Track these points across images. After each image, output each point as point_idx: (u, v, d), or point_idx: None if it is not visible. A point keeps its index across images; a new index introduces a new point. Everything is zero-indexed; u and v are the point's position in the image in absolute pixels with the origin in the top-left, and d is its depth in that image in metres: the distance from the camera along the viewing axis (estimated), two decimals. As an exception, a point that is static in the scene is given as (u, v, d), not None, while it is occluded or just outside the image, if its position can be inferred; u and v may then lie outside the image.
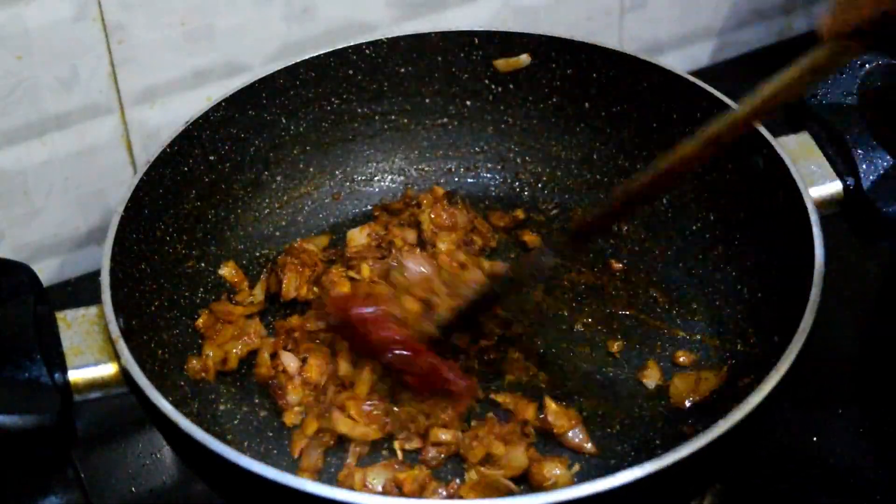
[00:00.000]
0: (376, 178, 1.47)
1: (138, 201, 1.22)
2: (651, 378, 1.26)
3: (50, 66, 1.35)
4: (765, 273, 1.26)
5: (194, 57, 1.44)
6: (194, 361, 1.25)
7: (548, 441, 1.20)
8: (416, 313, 1.24)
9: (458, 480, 1.17)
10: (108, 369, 1.08)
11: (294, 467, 1.19)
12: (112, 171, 1.47)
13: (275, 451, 1.21)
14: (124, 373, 1.07)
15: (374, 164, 1.47)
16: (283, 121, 1.40)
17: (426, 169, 1.48)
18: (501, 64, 1.43)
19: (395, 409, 1.21)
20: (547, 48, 1.41)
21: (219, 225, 1.36)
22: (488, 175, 1.48)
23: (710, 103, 1.32)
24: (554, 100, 1.44)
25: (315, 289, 1.32)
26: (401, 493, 1.14)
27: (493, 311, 1.28)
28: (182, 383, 1.23)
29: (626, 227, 1.41)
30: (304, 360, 1.25)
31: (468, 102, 1.46)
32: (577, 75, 1.42)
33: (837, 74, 1.30)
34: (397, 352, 1.18)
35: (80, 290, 1.47)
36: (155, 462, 1.28)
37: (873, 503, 1.22)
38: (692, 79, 1.34)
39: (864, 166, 1.24)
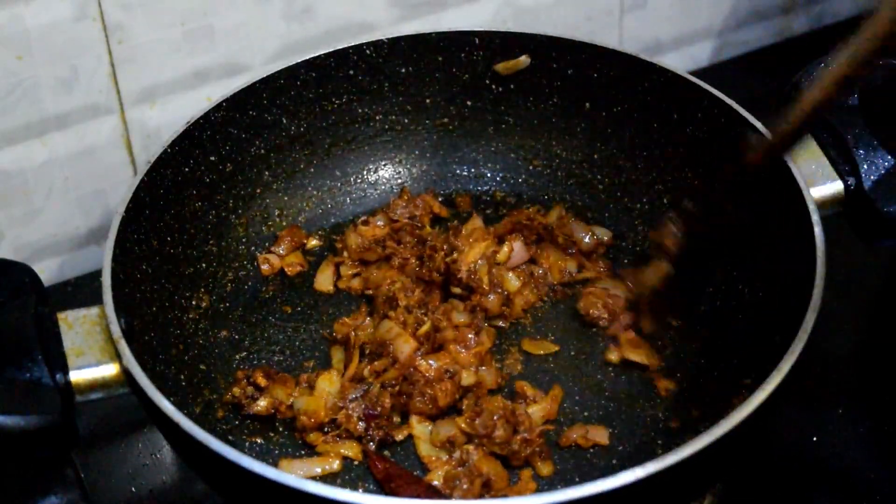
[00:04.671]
0: (377, 179, 1.47)
1: (139, 202, 1.22)
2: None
3: (50, 66, 1.35)
4: (765, 273, 1.26)
5: (194, 57, 1.44)
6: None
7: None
8: None
9: None
10: (110, 370, 1.08)
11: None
12: (112, 171, 1.47)
13: (276, 451, 1.21)
14: (126, 373, 1.07)
15: (375, 165, 1.47)
16: (284, 121, 1.40)
17: (426, 169, 1.48)
18: (501, 68, 1.43)
19: None
20: (547, 48, 1.41)
21: (220, 225, 1.36)
22: (488, 175, 1.48)
23: (710, 103, 1.32)
24: (554, 100, 1.44)
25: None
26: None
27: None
28: (183, 384, 1.23)
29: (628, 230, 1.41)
30: None
31: (468, 102, 1.46)
32: (577, 75, 1.42)
33: (837, 74, 1.30)
34: None
35: (80, 291, 1.47)
36: (155, 462, 1.28)
37: (873, 503, 1.22)
38: (692, 79, 1.34)
39: (864, 166, 1.24)
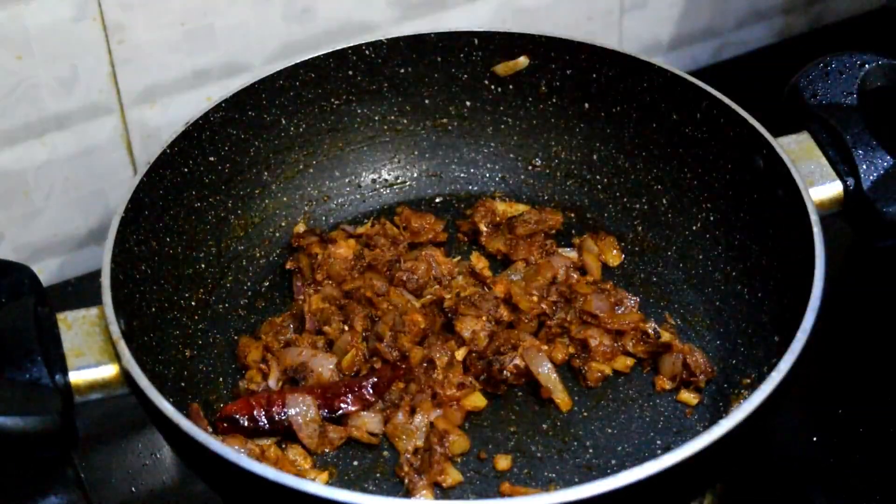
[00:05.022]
0: (376, 179, 1.47)
1: (139, 202, 1.22)
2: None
3: (50, 66, 1.35)
4: (765, 273, 1.27)
5: (194, 57, 1.44)
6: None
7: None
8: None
9: None
10: (109, 370, 1.08)
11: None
12: (112, 171, 1.47)
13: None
14: (125, 374, 1.07)
15: (374, 165, 1.47)
16: (283, 122, 1.40)
17: (425, 169, 1.48)
18: (500, 69, 1.43)
19: None
20: (547, 48, 1.41)
21: (219, 226, 1.36)
22: (487, 175, 1.48)
23: (710, 103, 1.32)
24: (554, 100, 1.44)
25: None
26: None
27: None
28: (183, 384, 1.23)
29: (628, 232, 1.41)
30: None
31: (468, 103, 1.46)
32: (577, 75, 1.42)
33: (837, 74, 1.30)
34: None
35: (80, 291, 1.47)
36: (155, 462, 1.28)
37: (873, 503, 1.22)
38: (692, 79, 1.34)
39: (864, 166, 1.24)
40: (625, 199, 1.43)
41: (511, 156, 1.48)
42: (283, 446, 1.20)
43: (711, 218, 1.35)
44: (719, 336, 1.29)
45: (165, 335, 1.24)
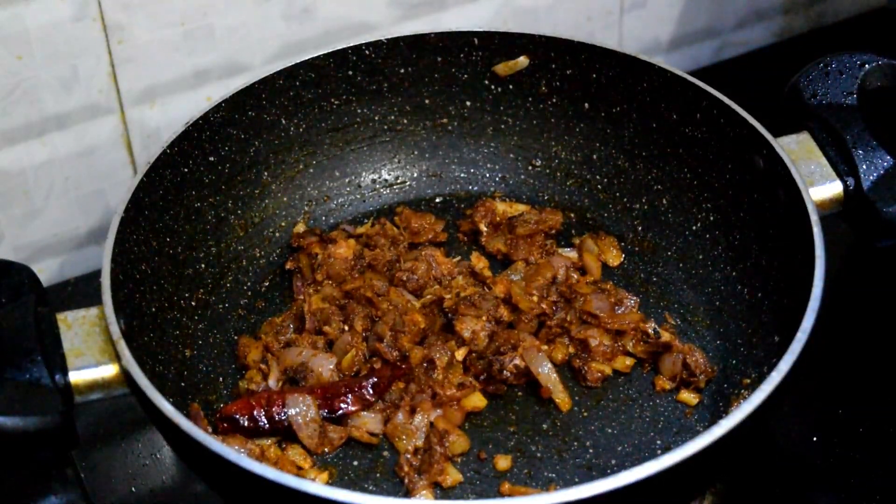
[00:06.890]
0: (376, 179, 1.47)
1: (138, 202, 1.22)
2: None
3: (50, 66, 1.36)
4: (765, 273, 1.27)
5: (194, 57, 1.44)
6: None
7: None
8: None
9: None
10: (109, 370, 1.09)
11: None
12: (112, 171, 1.47)
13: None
14: (125, 374, 1.07)
15: (374, 165, 1.47)
16: (283, 122, 1.40)
17: (425, 169, 1.48)
18: (500, 69, 1.43)
19: None
20: (546, 49, 1.41)
21: (219, 226, 1.36)
22: (487, 175, 1.48)
23: (710, 103, 1.32)
24: (554, 100, 1.44)
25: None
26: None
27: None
28: (183, 384, 1.23)
29: (628, 231, 1.41)
30: None
31: (468, 103, 1.46)
32: (576, 75, 1.42)
33: (837, 74, 1.30)
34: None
35: (80, 291, 1.47)
36: (155, 462, 1.28)
37: (873, 503, 1.22)
38: (692, 79, 1.34)
39: (864, 166, 1.24)
40: (625, 199, 1.43)
41: (511, 156, 1.48)
42: (283, 446, 1.20)
43: (711, 218, 1.35)
44: (719, 336, 1.29)
45: (165, 335, 1.24)
